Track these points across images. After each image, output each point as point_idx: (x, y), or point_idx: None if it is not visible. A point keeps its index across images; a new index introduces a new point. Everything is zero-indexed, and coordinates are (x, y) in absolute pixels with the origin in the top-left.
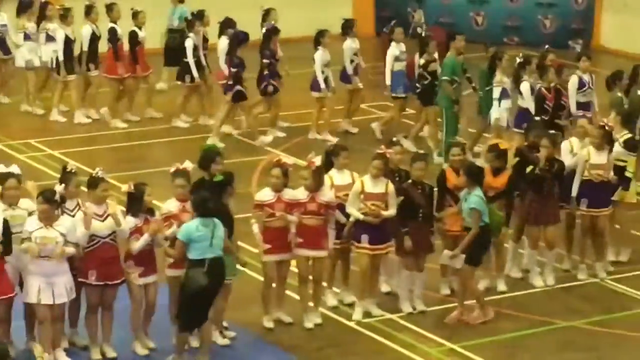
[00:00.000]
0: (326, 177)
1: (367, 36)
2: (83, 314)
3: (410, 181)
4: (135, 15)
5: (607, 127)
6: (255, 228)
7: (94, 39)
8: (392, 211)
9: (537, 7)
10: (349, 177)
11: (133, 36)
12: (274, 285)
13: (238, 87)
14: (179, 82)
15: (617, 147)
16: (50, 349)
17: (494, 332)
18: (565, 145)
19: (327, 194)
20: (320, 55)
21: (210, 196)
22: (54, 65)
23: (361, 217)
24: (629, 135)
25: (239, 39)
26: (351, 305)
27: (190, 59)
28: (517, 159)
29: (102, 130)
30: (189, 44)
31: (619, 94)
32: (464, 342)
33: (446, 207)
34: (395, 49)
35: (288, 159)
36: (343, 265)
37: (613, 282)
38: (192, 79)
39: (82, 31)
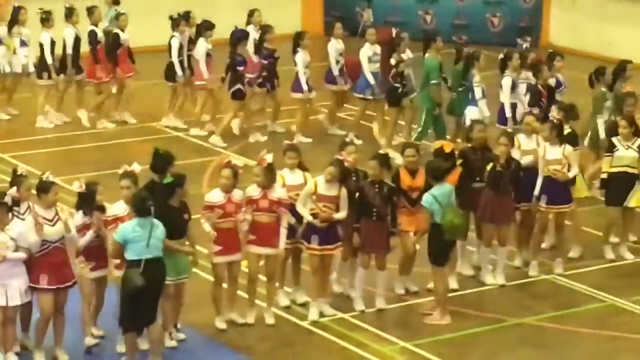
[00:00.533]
0: (278, 176)
1: (316, 36)
2: (34, 318)
3: (369, 180)
4: (117, 17)
5: (555, 121)
6: (207, 227)
7: (77, 41)
8: (342, 214)
9: (485, 5)
10: (300, 177)
11: (115, 38)
12: (224, 285)
13: (239, 86)
14: (169, 83)
15: None
16: (2, 352)
17: (446, 330)
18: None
19: (278, 191)
20: (302, 57)
21: (149, 196)
22: (31, 70)
23: (309, 218)
24: (569, 130)
25: (237, 37)
26: (304, 305)
27: (175, 58)
28: (461, 160)
29: (51, 133)
30: (174, 43)
31: (603, 89)
32: (417, 340)
33: (400, 208)
34: (368, 50)
35: (238, 160)
36: (294, 265)
37: (564, 279)
38: (178, 78)
39: (65, 34)
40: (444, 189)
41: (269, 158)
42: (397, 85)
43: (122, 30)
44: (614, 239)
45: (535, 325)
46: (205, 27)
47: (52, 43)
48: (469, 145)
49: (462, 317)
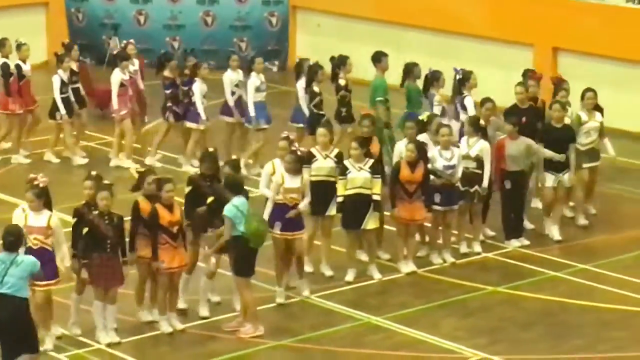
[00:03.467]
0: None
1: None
2: None
3: (96, 212)
4: (18, 47)
5: (299, 152)
6: None
7: None
8: (61, 248)
9: (231, 30)
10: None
11: (18, 70)
12: None
13: (174, 108)
14: (50, 120)
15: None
16: None
17: (204, 356)
18: (267, 168)
19: None
20: (198, 87)
21: (17, 231)
22: None
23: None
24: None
25: (160, 61)
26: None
27: (56, 95)
28: (190, 187)
29: None
30: (55, 80)
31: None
32: None
33: (162, 245)
34: (256, 79)
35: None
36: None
37: (318, 299)
38: (61, 115)
39: None
40: (242, 200)
41: None
42: (322, 113)
43: (24, 62)
44: (364, 258)
45: (292, 346)
46: (121, 58)
47: None
48: (200, 173)
49: (219, 341)
